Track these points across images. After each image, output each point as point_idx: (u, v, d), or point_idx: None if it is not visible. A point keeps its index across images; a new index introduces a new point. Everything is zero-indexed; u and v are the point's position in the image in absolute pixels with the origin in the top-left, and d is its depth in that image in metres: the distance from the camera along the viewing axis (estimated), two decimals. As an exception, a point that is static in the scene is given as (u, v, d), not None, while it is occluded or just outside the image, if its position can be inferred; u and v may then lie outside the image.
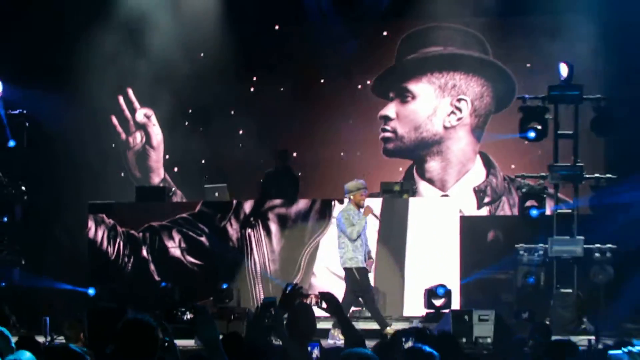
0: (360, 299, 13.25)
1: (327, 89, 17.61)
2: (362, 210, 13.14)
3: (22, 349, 5.50)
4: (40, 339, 11.33)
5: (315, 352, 7.62)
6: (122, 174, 17.75)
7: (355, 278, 13.06)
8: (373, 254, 14.12)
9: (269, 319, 6.50)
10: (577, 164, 14.27)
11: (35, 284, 15.24)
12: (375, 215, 13.96)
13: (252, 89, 17.85)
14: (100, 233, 14.97)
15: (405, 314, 14.21)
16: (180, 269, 14.84)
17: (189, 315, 5.21)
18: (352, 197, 13.29)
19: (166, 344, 4.95)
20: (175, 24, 17.50)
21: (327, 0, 17.55)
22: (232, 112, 17.81)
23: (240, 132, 17.65)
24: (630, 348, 4.75)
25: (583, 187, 14.62)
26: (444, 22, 17.44)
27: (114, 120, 17.88)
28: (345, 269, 13.21)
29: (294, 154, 16.62)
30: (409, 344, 7.34)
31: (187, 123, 17.82)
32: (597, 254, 13.95)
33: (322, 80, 17.59)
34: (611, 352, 4.51)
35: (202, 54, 17.74)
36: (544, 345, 8.31)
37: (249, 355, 6.33)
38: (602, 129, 14.63)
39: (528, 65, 17.01)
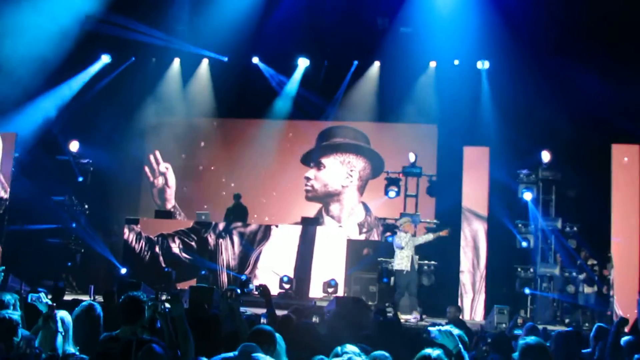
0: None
1: (276, 162, 17.57)
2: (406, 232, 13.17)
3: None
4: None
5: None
6: (143, 203, 17.64)
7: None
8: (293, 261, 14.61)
9: (231, 298, 6.16)
10: (417, 213, 14.60)
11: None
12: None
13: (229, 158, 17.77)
14: (131, 236, 15.16)
15: (310, 296, 14.17)
16: (178, 261, 14.92)
17: (165, 297, 4.86)
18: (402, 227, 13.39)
19: (160, 310, 4.86)
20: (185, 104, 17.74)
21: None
22: (212, 168, 17.89)
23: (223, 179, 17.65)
24: (440, 327, 4.42)
25: (420, 227, 14.79)
26: (345, 122, 17.48)
27: (146, 169, 18.03)
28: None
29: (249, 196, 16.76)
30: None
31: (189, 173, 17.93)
32: (425, 267, 14.06)
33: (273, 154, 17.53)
34: (430, 328, 4.69)
35: (202, 143, 17.95)
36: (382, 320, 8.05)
37: (209, 320, 6.14)
38: (433, 193, 14.88)
39: (387, 152, 16.84)
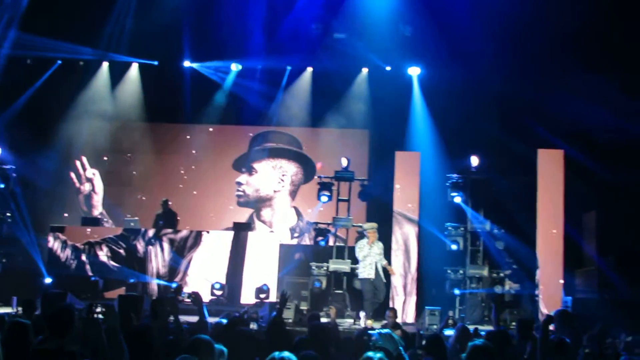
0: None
1: (207, 167, 17.45)
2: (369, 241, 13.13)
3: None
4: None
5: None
6: (67, 215, 16.97)
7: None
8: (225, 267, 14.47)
9: (170, 306, 6.14)
10: (349, 217, 14.46)
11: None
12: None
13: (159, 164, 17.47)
14: (56, 244, 14.71)
15: (242, 302, 13.89)
16: (106, 269, 14.60)
17: (99, 309, 4.93)
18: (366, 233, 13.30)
19: (91, 319, 4.80)
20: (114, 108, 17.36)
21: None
22: (142, 174, 17.50)
23: (153, 185, 17.24)
24: (380, 330, 4.56)
25: (352, 230, 14.93)
26: (277, 127, 17.41)
27: (72, 175, 17.47)
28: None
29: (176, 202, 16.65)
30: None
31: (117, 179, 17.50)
32: (357, 271, 13.64)
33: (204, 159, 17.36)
34: (371, 331, 4.65)
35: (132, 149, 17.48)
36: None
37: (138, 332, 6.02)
38: (365, 197, 14.82)
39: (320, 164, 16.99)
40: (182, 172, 17.33)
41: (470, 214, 14.09)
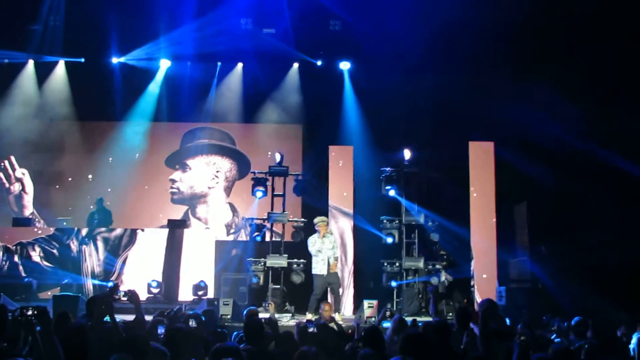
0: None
1: (140, 165, 17.04)
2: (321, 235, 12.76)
3: None
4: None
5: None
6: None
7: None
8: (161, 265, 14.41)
9: (106, 305, 5.96)
10: (285, 212, 14.32)
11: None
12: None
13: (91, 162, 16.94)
14: None
15: (180, 299, 13.91)
16: (39, 270, 14.47)
17: (31, 312, 4.59)
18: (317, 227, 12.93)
19: (24, 321, 4.61)
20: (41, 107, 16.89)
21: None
22: (74, 172, 17.07)
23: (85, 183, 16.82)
24: (315, 321, 4.54)
25: (288, 225, 14.62)
26: (210, 123, 17.27)
27: (1, 175, 16.98)
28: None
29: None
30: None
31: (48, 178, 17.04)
32: (295, 265, 13.78)
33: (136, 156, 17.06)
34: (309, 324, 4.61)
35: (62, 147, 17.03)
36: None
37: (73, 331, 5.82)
38: (299, 192, 14.72)
39: (253, 152, 16.96)
40: (115, 170, 16.81)
41: (405, 206, 14.22)
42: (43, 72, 17.03)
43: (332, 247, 12.90)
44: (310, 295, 12.78)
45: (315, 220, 13.12)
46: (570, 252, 12.93)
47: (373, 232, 14.41)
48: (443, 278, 13.78)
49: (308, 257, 13.44)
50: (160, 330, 6.89)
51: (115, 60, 16.76)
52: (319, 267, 12.74)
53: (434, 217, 14.16)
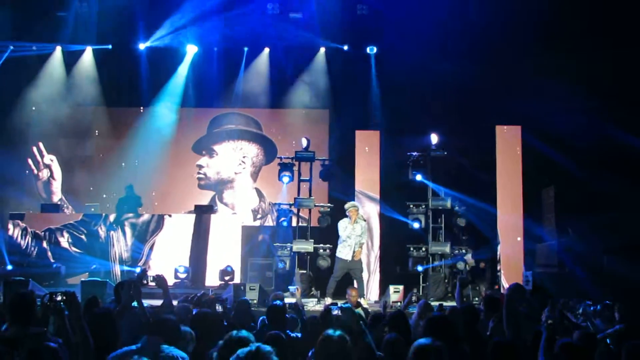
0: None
1: (168, 151, 16.96)
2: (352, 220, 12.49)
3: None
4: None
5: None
6: (28, 197, 16.65)
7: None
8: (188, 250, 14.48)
9: (133, 290, 6.06)
10: (311, 197, 14.36)
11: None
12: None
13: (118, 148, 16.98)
14: (16, 232, 14.56)
15: (207, 284, 13.82)
16: (67, 255, 14.45)
17: (60, 297, 4.56)
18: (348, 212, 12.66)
19: (53, 307, 4.65)
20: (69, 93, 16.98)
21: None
22: (102, 158, 17.06)
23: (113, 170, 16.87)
24: (340, 304, 4.59)
25: (314, 210, 14.49)
26: (236, 109, 17.27)
27: (29, 162, 17.15)
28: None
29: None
30: None
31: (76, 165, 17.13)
32: (321, 250, 13.77)
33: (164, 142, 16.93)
34: (332, 306, 4.62)
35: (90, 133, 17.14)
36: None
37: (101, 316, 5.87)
38: (326, 177, 14.77)
39: (279, 137, 17.05)
40: (143, 156, 16.88)
41: (432, 190, 14.20)
42: (70, 59, 17.14)
43: (361, 233, 12.63)
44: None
45: (346, 205, 12.88)
46: (597, 231, 12.70)
47: (399, 219, 14.38)
48: (470, 262, 13.76)
49: (334, 242, 13.34)
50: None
51: (142, 46, 16.81)
52: (344, 252, 12.53)
53: (462, 197, 14.07)
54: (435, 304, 9.21)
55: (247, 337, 4.24)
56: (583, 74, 13.44)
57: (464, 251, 13.89)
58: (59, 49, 17.05)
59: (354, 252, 12.50)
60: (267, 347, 3.53)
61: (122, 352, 4.44)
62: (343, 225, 12.67)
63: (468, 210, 14.03)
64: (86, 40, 16.66)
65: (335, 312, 4.47)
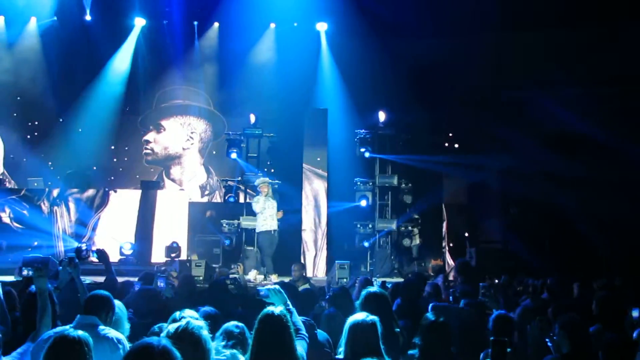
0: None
1: (114, 125, 16.51)
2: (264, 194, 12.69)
3: None
4: None
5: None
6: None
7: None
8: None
9: (70, 266, 5.94)
10: (259, 173, 14.07)
11: None
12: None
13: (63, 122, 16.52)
14: None
15: (153, 260, 13.79)
16: (9, 231, 14.10)
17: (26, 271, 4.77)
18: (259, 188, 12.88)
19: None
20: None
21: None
22: (46, 133, 16.58)
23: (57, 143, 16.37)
24: (269, 287, 4.52)
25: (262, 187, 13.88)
26: (182, 85, 17.17)
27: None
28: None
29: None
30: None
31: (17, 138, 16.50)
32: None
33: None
34: (259, 287, 4.76)
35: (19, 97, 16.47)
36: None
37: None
38: (273, 153, 15.02)
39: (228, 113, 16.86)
40: (87, 130, 16.41)
41: (377, 169, 14.29)
42: (12, 32, 16.61)
43: (272, 210, 12.82)
44: (281, 257, 12.82)
45: (257, 181, 13.10)
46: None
47: (346, 194, 14.48)
48: (416, 240, 13.93)
49: (280, 218, 13.38)
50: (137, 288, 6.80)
51: (88, 17, 16.37)
52: (267, 224, 12.71)
53: (407, 179, 14.23)
54: (379, 280, 9.31)
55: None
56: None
57: (410, 228, 14.02)
58: (1, 18, 16.55)
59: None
60: (197, 324, 3.53)
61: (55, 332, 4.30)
62: (256, 200, 12.89)
63: (414, 188, 14.18)
64: (30, 12, 16.22)
65: (262, 293, 4.57)
